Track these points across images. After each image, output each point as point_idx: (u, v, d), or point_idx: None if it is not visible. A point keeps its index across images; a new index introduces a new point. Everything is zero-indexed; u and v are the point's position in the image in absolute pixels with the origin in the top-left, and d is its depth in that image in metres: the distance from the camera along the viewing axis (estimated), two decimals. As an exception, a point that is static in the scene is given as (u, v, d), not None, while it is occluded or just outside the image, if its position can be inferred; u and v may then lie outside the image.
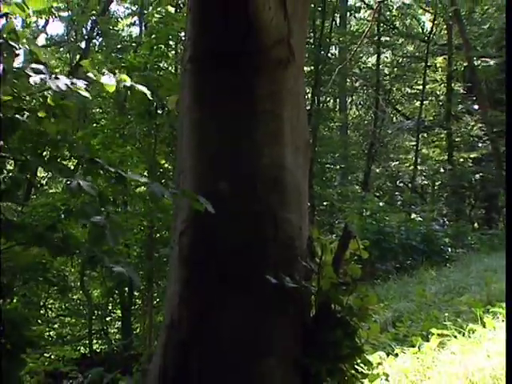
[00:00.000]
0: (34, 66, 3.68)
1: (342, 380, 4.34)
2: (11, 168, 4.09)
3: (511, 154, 4.45)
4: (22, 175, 3.93)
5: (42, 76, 3.61)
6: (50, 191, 19.80)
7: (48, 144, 3.71)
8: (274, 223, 4.48)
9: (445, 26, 28.16)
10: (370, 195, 25.62)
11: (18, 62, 3.81)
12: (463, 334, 6.82)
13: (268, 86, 4.72)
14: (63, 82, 3.64)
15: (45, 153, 3.81)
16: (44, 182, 21.68)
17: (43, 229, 3.62)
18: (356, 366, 4.41)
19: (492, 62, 26.28)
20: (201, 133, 4.76)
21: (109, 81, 4.02)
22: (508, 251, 4.26)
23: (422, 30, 30.85)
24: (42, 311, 17.49)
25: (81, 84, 3.75)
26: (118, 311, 19.32)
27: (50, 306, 19.25)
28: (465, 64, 26.09)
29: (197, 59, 4.83)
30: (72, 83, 3.70)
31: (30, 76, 3.59)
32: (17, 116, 3.41)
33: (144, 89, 4.47)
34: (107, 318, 19.51)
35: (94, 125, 17.96)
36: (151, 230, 14.13)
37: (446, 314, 8.61)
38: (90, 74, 3.91)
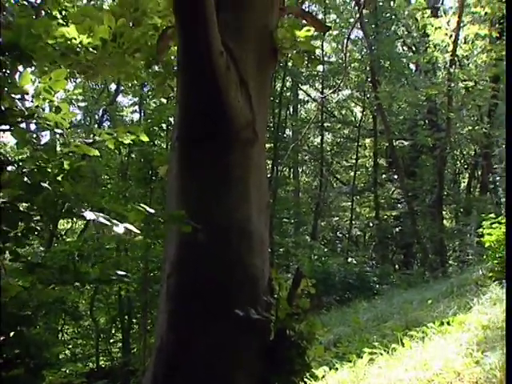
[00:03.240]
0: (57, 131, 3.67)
1: (294, 390, 4.29)
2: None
3: (511, 155, 3.95)
4: (46, 224, 3.86)
5: (61, 131, 3.59)
6: (67, 240, 19.49)
7: (65, 201, 3.66)
8: (243, 267, 4.46)
9: (371, 116, 28.69)
10: (316, 243, 25.63)
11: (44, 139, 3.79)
12: (388, 352, 6.75)
13: (238, 159, 4.75)
14: (77, 140, 3.64)
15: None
16: (63, 233, 21.37)
17: (59, 267, 3.55)
18: (305, 379, 4.36)
19: (406, 143, 26.82)
20: (185, 195, 4.75)
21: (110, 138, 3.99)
22: (508, 250, 3.83)
23: (354, 118, 31.37)
24: (59, 335, 17.06)
25: (89, 141, 3.74)
26: (119, 334, 18.95)
27: (65, 331, 18.80)
28: (386, 144, 26.50)
29: (182, 138, 4.86)
30: (85, 142, 3.69)
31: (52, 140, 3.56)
32: (41, 184, 3.37)
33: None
34: (111, 340, 19.11)
35: (103, 188, 17.85)
36: (146, 270, 13.99)
37: (375, 337, 8.53)
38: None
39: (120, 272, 3.77)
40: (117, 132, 3.96)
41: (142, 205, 3.44)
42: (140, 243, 12.85)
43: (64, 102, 4.08)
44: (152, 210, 3.48)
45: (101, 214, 3.30)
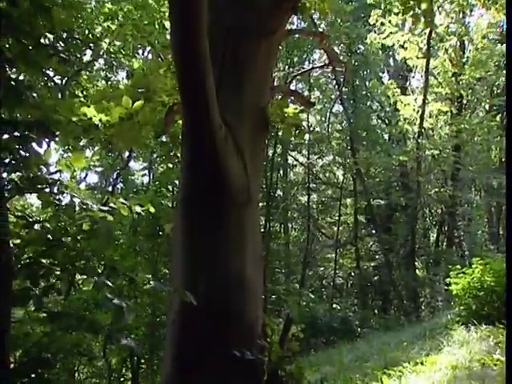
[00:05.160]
0: (76, 200, 3.69)
1: (285, 425, 4.18)
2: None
3: (511, 160, 3.49)
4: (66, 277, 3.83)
5: (80, 202, 3.61)
6: (84, 289, 19.22)
7: (82, 258, 3.65)
8: (239, 314, 4.42)
9: (351, 178, 28.92)
10: (305, 291, 25.32)
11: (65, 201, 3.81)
12: (369, 390, 6.63)
13: (235, 219, 4.78)
14: (95, 207, 3.66)
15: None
16: (80, 282, 21.10)
17: (77, 317, 3.51)
18: (295, 416, 4.26)
19: (382, 202, 27.00)
20: (187, 250, 4.74)
21: (124, 206, 4.03)
22: (508, 254, 3.62)
23: (337, 180, 31.56)
24: (75, 374, 16.62)
25: (105, 208, 3.76)
26: (129, 374, 18.51)
27: (80, 370, 18.33)
28: (365, 203, 26.63)
29: (185, 200, 4.89)
30: (100, 209, 3.71)
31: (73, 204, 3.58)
32: (62, 241, 3.38)
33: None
34: (121, 379, 18.64)
35: (116, 243, 17.73)
36: (153, 316, 13.78)
37: (357, 375, 8.36)
38: (113, 205, 3.94)
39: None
40: (129, 202, 4.03)
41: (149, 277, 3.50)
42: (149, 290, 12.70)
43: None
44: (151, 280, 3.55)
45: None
